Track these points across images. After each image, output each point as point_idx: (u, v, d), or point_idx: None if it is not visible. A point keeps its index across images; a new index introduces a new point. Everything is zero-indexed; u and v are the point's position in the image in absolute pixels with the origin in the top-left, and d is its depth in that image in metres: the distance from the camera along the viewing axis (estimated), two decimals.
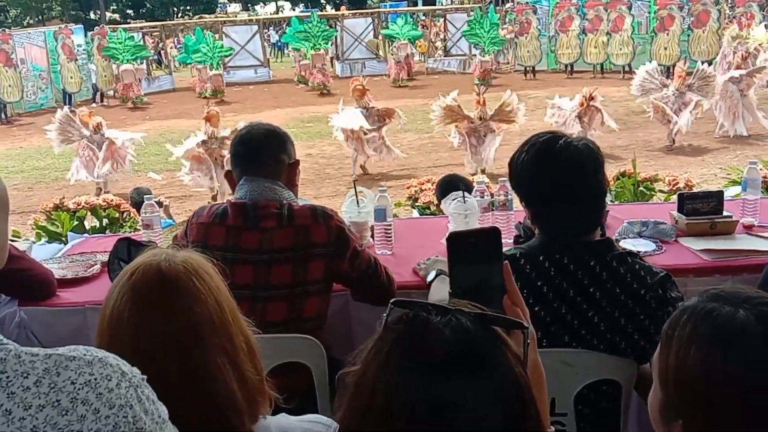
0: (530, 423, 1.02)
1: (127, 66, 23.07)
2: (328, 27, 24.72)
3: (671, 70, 13.58)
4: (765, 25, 18.44)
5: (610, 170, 6.41)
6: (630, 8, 23.62)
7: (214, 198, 10.71)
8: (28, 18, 50.44)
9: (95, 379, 1.14)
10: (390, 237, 3.15)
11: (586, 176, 2.04)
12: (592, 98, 11.69)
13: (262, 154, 2.54)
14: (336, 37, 27.30)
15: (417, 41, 27.74)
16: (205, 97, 18.35)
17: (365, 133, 11.43)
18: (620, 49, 23.52)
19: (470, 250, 1.27)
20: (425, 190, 5.69)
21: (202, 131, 11.21)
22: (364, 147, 11.54)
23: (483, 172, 11.16)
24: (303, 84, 23.77)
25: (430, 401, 0.98)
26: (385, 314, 1.09)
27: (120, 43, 23.91)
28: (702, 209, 3.14)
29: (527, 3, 25.87)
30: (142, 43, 25.80)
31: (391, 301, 1.10)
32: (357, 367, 1.06)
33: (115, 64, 23.54)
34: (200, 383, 1.38)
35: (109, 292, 1.44)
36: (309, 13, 26.83)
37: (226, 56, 24.43)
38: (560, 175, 2.02)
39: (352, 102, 12.18)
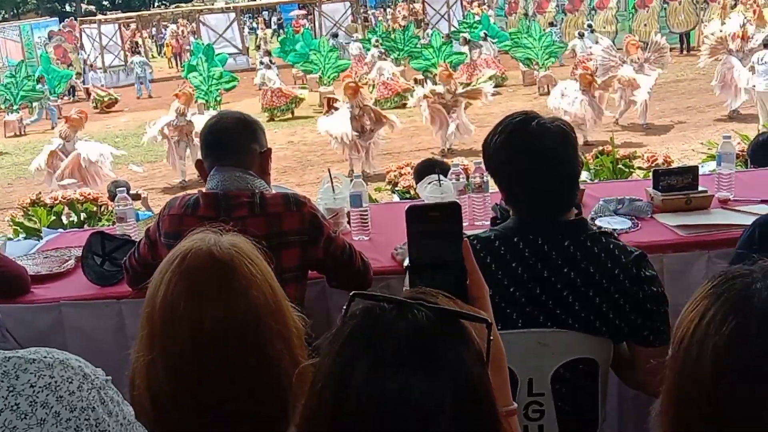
0: (484, 420, 1.01)
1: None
2: (341, 57, 19.39)
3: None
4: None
5: (592, 149, 6.44)
6: None
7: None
8: (3, 12, 49.84)
9: (55, 381, 1.12)
10: (366, 223, 3.14)
11: (559, 157, 2.03)
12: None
13: (233, 143, 2.51)
14: (314, 19, 27.05)
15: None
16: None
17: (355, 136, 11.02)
18: (604, 27, 23.49)
19: (429, 224, 1.23)
20: (404, 174, 5.69)
21: (173, 109, 11.13)
22: (359, 150, 11.18)
23: (450, 151, 11.22)
24: None
25: (379, 395, 0.96)
26: (344, 306, 1.07)
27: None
28: (677, 185, 3.14)
29: None
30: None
31: (351, 293, 1.08)
32: (315, 360, 1.05)
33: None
34: (263, 368, 1.34)
35: (155, 281, 1.38)
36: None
37: (228, 90, 16.94)
38: (533, 156, 2.01)
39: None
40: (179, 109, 11.29)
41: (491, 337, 1.08)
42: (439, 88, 11.93)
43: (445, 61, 14.24)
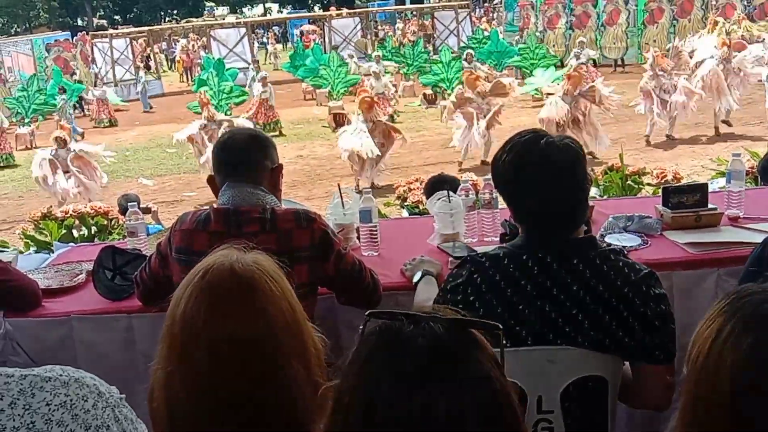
0: (508, 425, 1.02)
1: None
2: (350, 73, 19.88)
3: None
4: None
5: (600, 164, 6.45)
6: (627, 1, 23.65)
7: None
8: (15, 26, 50.25)
9: (71, 400, 1.13)
10: (376, 238, 3.14)
11: (568, 174, 2.03)
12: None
13: (244, 159, 2.53)
14: (324, 34, 27.21)
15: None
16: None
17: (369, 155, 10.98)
18: (614, 43, 23.57)
19: None
20: (414, 189, 5.70)
21: (202, 116, 11.25)
22: (365, 167, 11.18)
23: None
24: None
25: (405, 410, 0.98)
26: (361, 326, 1.10)
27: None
28: (687, 202, 3.14)
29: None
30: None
31: (366, 312, 1.11)
32: (336, 381, 1.08)
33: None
34: (279, 386, 1.34)
35: (177, 295, 1.39)
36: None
37: (238, 105, 16.69)
38: (542, 175, 2.01)
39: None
40: (207, 114, 11.46)
41: (504, 342, 1.11)
42: (467, 94, 11.84)
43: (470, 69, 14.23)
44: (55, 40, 27.73)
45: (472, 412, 1.00)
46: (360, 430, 1.01)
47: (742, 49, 13.28)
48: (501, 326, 1.12)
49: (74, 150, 10.79)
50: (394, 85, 19.07)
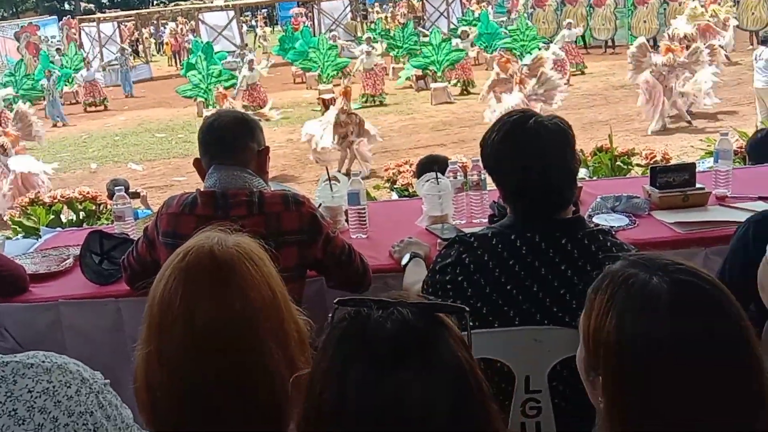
0: (478, 404, 1.04)
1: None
2: (339, 56, 20.00)
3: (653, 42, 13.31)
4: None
5: (590, 145, 6.44)
6: None
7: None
8: (2, 11, 49.78)
9: (53, 386, 1.12)
10: (364, 221, 3.13)
11: (557, 155, 2.03)
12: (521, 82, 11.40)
13: (230, 141, 2.51)
14: (315, 20, 27.13)
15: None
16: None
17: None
18: (603, 24, 23.52)
19: None
20: (403, 172, 5.69)
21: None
22: (350, 139, 11.10)
23: None
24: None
25: (378, 395, 0.99)
26: (330, 314, 1.10)
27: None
28: (674, 182, 3.15)
29: None
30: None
31: (335, 300, 1.11)
32: (308, 370, 1.09)
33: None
34: (254, 369, 1.33)
35: (159, 276, 1.39)
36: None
37: (227, 88, 15.79)
38: (531, 154, 2.01)
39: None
40: (230, 107, 11.49)
41: (471, 323, 1.13)
42: (503, 76, 11.73)
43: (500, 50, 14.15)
44: (21, 27, 27.39)
45: (443, 394, 1.01)
46: (335, 413, 1.01)
47: (708, 31, 12.99)
48: (467, 309, 1.14)
49: (14, 170, 9.90)
50: (384, 68, 19.00)
